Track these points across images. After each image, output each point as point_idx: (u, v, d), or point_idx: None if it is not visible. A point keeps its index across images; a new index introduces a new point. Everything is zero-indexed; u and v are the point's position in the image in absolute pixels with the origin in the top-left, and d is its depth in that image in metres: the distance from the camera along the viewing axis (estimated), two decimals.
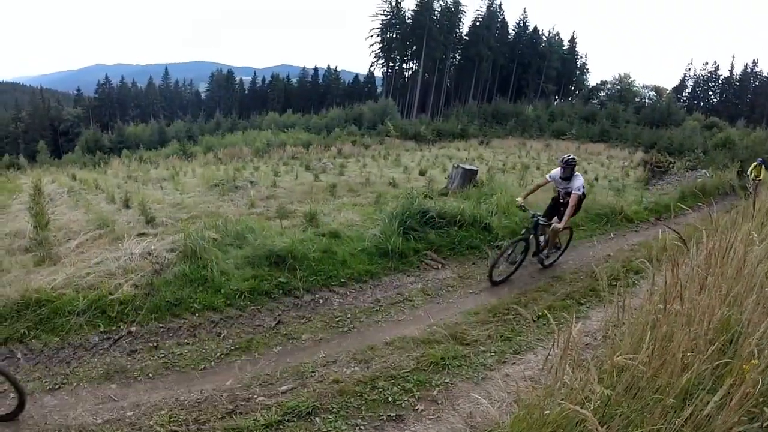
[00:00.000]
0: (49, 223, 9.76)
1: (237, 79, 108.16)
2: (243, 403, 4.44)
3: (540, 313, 6.22)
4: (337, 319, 6.15)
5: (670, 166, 24.58)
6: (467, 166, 13.14)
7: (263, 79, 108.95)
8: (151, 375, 4.96)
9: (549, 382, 3.06)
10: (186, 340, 5.54)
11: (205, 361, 5.19)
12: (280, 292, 6.53)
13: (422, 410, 4.39)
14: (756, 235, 4.41)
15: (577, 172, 8.04)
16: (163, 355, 5.27)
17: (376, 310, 6.52)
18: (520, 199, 8.39)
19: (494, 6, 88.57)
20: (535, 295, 7.31)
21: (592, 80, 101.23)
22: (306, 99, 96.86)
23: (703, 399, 2.50)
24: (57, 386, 4.77)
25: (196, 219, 10.25)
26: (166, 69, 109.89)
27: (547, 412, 2.84)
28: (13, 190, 18.94)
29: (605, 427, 2.51)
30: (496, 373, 5.03)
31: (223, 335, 5.67)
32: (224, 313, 6.01)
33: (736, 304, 3.45)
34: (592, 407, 2.58)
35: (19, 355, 5.15)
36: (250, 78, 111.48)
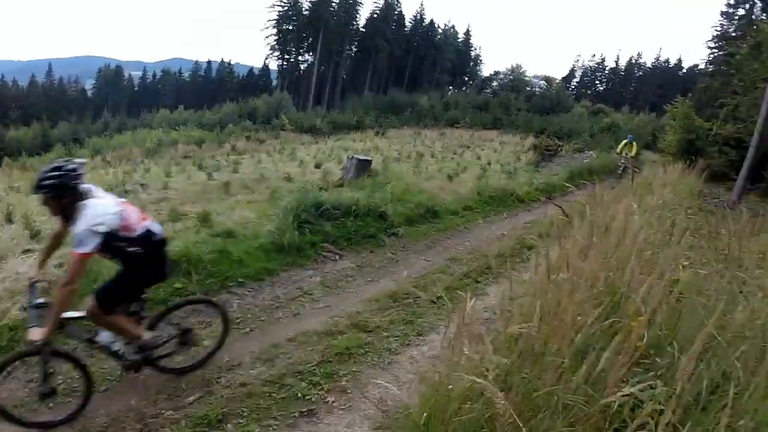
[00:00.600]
0: None
1: (126, 74, 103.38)
2: (151, 420, 4.23)
3: (439, 294, 6.36)
4: (237, 321, 5.95)
5: (559, 149, 26.00)
6: (361, 157, 13.22)
7: (154, 74, 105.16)
8: (52, 404, 4.53)
9: (450, 359, 3.12)
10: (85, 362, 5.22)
11: (107, 381, 4.85)
12: (177, 298, 6.22)
13: (333, 402, 4.39)
14: (636, 206, 4.72)
15: (89, 201, 3.97)
16: (61, 380, 4.78)
17: (277, 306, 6.41)
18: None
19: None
20: (434, 277, 7.49)
21: (486, 71, 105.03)
22: (199, 94, 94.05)
23: (596, 356, 2.63)
24: None
25: None
26: (50, 65, 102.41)
27: (451, 386, 2.91)
28: None
29: (507, 393, 2.61)
30: (401, 356, 5.13)
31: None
32: None
33: (618, 269, 3.67)
34: (491, 377, 2.66)
35: None
36: (140, 73, 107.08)
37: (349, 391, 4.53)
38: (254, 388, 4.55)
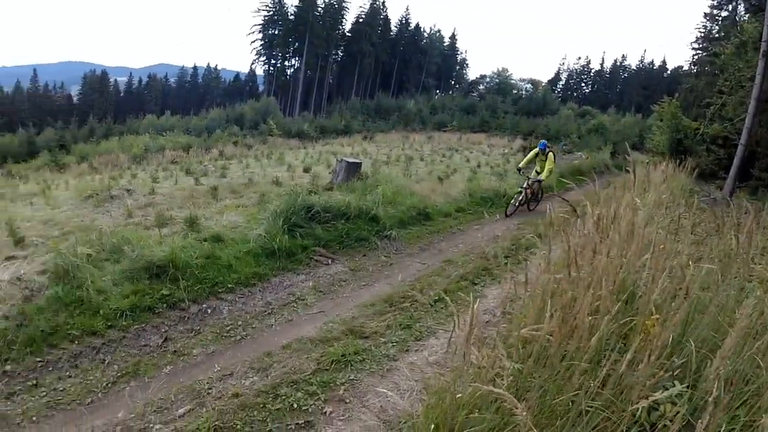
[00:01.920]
0: None
1: (112, 80, 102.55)
2: None
3: (436, 297, 6.21)
4: (228, 329, 5.80)
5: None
6: (351, 160, 13.07)
7: (140, 80, 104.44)
8: (35, 418, 4.38)
9: (456, 365, 2.97)
10: (68, 373, 4.98)
11: (92, 393, 4.68)
12: (165, 306, 6.08)
13: (331, 412, 4.20)
14: (639, 202, 4.59)
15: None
16: (44, 393, 4.68)
17: (269, 313, 6.24)
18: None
19: (377, 3, 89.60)
20: (429, 280, 7.33)
21: (472, 74, 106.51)
22: (185, 100, 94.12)
23: (610, 358, 2.49)
24: None
25: (69, 235, 9.51)
26: (35, 71, 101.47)
27: (459, 395, 2.75)
28: None
29: (522, 400, 2.44)
30: (400, 362, 4.94)
31: (107, 361, 5.16)
32: (106, 337, 5.48)
33: (629, 265, 3.52)
34: (505, 384, 2.50)
35: None
36: (125, 79, 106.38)
37: (347, 401, 4.35)
38: (247, 399, 4.36)
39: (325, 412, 4.21)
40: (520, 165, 13.45)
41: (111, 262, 6.87)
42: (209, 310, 6.20)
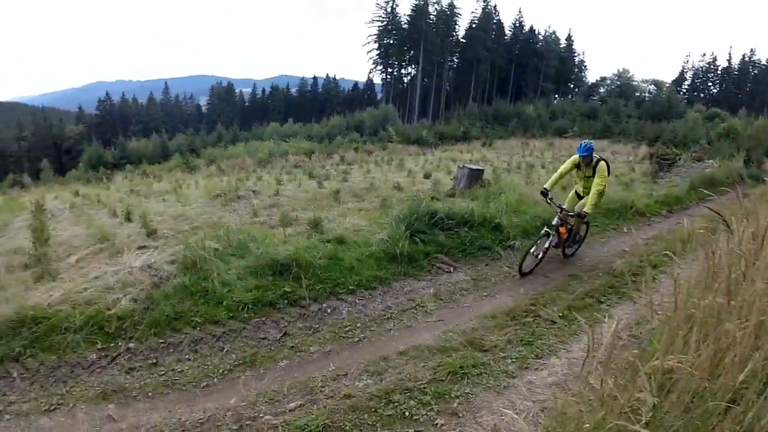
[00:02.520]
0: (49, 239, 9.68)
1: (237, 91, 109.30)
2: (248, 422, 4.13)
3: (560, 314, 5.90)
4: (346, 329, 5.82)
5: (677, 158, 24.18)
6: (473, 166, 12.84)
7: (263, 91, 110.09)
8: (150, 394, 4.68)
9: (582, 390, 2.75)
10: (187, 356, 5.27)
11: (208, 377, 4.90)
12: (285, 302, 6.21)
13: (442, 425, 4.06)
14: None
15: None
16: (163, 372, 4.99)
17: (388, 317, 6.20)
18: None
19: (489, 7, 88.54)
20: (553, 295, 6.93)
21: (591, 77, 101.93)
22: (306, 108, 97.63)
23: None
24: (53, 407, 4.54)
25: (198, 230, 10.00)
26: (166, 84, 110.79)
27: (587, 425, 2.52)
28: (15, 209, 18.66)
29: None
30: (518, 380, 4.69)
31: (226, 350, 5.38)
32: (227, 327, 5.72)
33: None
34: (643, 420, 2.25)
35: (15, 375, 4.94)
36: (249, 89, 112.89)
37: (460, 415, 4.18)
38: (359, 402, 4.33)
39: (437, 424, 4.07)
40: (546, 186, 8.10)
41: (236, 257, 7.12)
42: (329, 310, 6.27)
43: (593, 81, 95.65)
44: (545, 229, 7.91)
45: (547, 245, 7.82)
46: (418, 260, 7.69)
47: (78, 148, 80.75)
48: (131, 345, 5.33)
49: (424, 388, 4.52)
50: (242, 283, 6.39)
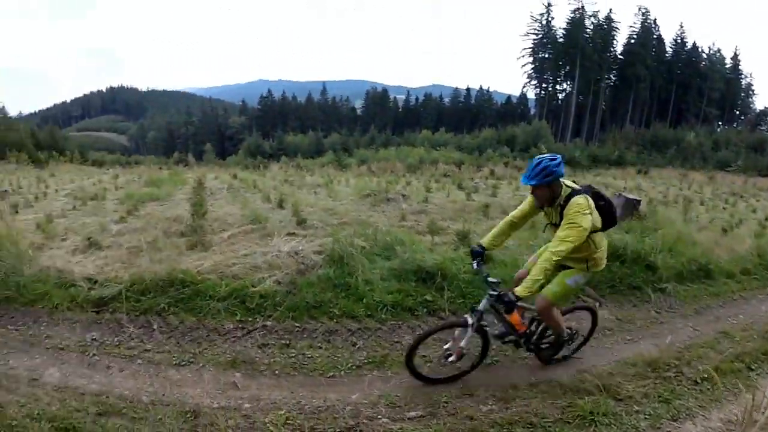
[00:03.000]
0: (206, 213, 10.42)
1: (391, 97, 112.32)
2: (366, 421, 4.15)
3: (705, 375, 5.31)
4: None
5: None
6: (630, 196, 11.98)
7: (416, 98, 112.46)
8: (277, 372, 4.89)
9: None
10: (319, 344, 5.42)
11: (335, 369, 5.00)
12: (424, 310, 6.18)
13: None
14: None
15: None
16: (293, 354, 5.19)
17: None
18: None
19: (649, 21, 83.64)
20: (700, 351, 6.11)
21: (759, 103, 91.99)
22: (458, 119, 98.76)
23: None
24: (183, 363, 4.94)
25: (346, 226, 10.23)
26: (324, 86, 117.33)
27: None
28: (179, 183, 20.38)
29: None
30: None
31: (358, 346, 5.46)
32: (363, 324, 5.81)
33: None
34: None
35: (155, 327, 5.50)
36: (403, 97, 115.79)
37: None
38: (479, 425, 4.17)
39: None
40: (483, 241, 5.09)
41: (382, 258, 7.20)
42: None
43: (762, 108, 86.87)
44: (466, 315, 4.69)
45: (463, 342, 4.57)
46: None
47: (239, 136, 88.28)
48: (268, 323, 5.62)
49: (549, 427, 4.24)
50: (384, 285, 6.44)
